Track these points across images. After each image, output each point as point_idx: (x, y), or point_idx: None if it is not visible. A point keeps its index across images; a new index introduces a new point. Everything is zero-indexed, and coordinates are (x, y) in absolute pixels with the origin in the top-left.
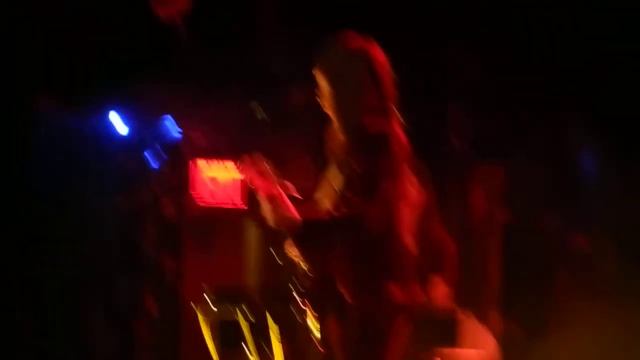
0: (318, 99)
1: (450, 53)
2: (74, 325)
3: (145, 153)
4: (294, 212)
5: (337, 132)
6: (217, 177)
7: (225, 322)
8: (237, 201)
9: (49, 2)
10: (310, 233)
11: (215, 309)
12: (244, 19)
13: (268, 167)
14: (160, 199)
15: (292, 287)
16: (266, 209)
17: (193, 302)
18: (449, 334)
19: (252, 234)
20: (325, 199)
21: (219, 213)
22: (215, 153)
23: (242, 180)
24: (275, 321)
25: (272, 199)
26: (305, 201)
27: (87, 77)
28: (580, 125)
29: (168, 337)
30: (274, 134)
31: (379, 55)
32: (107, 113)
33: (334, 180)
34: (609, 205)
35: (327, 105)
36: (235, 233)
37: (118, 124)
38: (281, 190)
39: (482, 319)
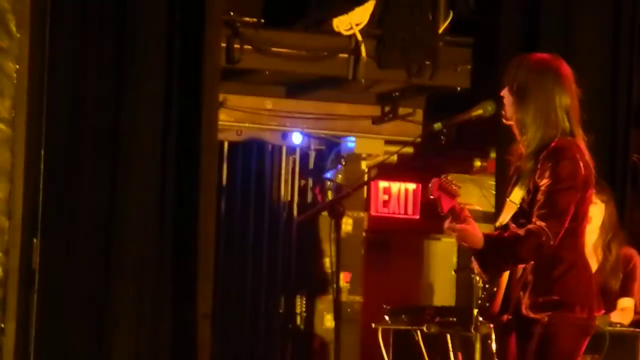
0: (503, 115)
1: (634, 68)
2: (252, 341)
3: (327, 171)
4: (477, 229)
5: (521, 148)
6: (391, 187)
7: (403, 343)
8: (411, 211)
9: None
10: (493, 249)
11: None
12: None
13: (454, 187)
14: (340, 216)
15: (474, 307)
16: (452, 228)
17: (373, 322)
18: (631, 358)
19: (430, 252)
20: (508, 215)
21: (397, 229)
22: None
23: (414, 191)
24: (454, 343)
25: (458, 217)
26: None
27: (272, 95)
28: None
29: (344, 356)
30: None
31: (568, 72)
32: (290, 132)
33: (516, 196)
34: None
35: (514, 120)
36: (413, 251)
37: (300, 142)
38: (465, 208)
39: None
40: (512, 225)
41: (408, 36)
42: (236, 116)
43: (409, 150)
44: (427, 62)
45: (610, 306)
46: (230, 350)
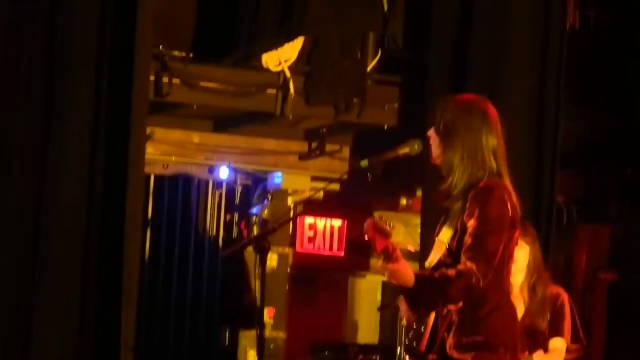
0: (432, 155)
1: (560, 112)
2: None
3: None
4: (408, 269)
5: (448, 187)
6: (317, 223)
7: None
8: (337, 248)
9: None
10: (423, 290)
11: None
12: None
13: (388, 227)
14: (265, 251)
15: (397, 345)
16: (385, 267)
17: (296, 358)
18: None
19: (355, 289)
20: (437, 254)
21: (322, 266)
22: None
23: (340, 228)
24: None
25: (390, 257)
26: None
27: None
28: None
29: None
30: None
31: (494, 113)
32: (217, 166)
33: (444, 236)
34: None
35: (440, 161)
36: (338, 288)
37: (226, 176)
38: (397, 248)
39: None
40: (441, 264)
41: (336, 73)
42: (163, 149)
43: (336, 187)
44: (355, 100)
45: (539, 347)
46: None
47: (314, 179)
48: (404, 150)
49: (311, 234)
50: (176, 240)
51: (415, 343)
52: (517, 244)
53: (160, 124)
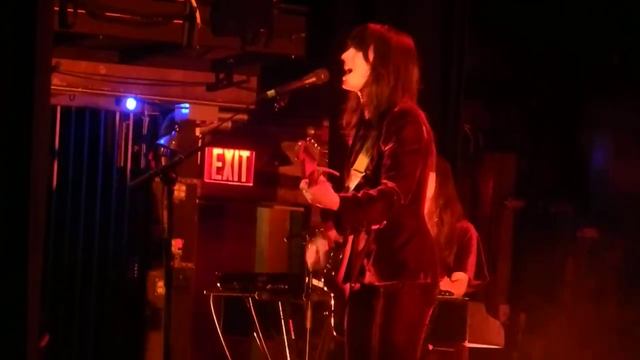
0: (345, 81)
1: (465, 43)
2: (83, 308)
3: (160, 137)
4: (331, 191)
5: (366, 114)
6: (225, 154)
7: (234, 310)
8: (245, 179)
9: None
10: (347, 210)
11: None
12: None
13: (316, 150)
14: (172, 182)
15: (305, 275)
16: (307, 188)
17: (205, 289)
18: (459, 325)
19: (263, 219)
20: (353, 184)
21: (230, 196)
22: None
23: (248, 158)
24: (286, 310)
25: (315, 180)
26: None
27: (105, 60)
28: (593, 116)
29: (177, 322)
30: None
31: (414, 46)
32: (124, 97)
33: (360, 165)
34: (618, 194)
35: (364, 88)
36: (246, 218)
37: (134, 108)
38: (321, 172)
39: (492, 309)
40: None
41: (243, 3)
42: (69, 81)
43: (243, 117)
44: (262, 30)
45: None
46: (62, 318)
47: (222, 109)
48: (310, 80)
49: (219, 164)
50: (83, 172)
51: (333, 273)
52: (431, 170)
53: (66, 55)
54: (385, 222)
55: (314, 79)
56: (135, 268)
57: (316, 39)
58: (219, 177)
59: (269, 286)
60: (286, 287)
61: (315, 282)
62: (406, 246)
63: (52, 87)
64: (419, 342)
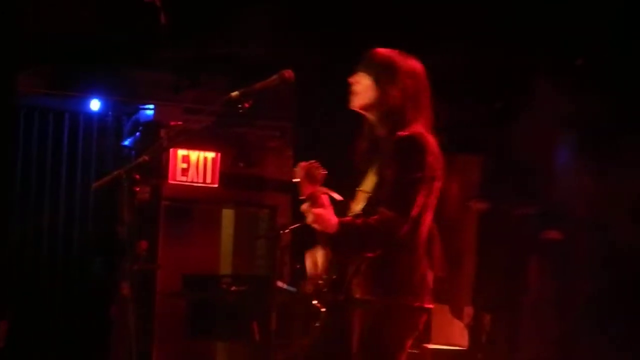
0: (352, 96)
1: (427, 43)
2: (48, 308)
3: (125, 139)
4: (332, 215)
5: (372, 135)
6: (190, 155)
7: (199, 312)
8: (210, 180)
9: None
10: (345, 236)
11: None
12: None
13: (320, 174)
14: (137, 183)
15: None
16: (308, 210)
17: (169, 290)
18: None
19: (229, 220)
20: (359, 204)
21: (195, 197)
22: (193, 140)
23: (214, 160)
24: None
25: (316, 202)
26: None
27: (69, 60)
28: (555, 115)
29: (141, 323)
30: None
31: (423, 68)
32: (88, 98)
33: (366, 185)
34: (580, 194)
35: (363, 102)
36: (211, 219)
37: (98, 109)
38: (324, 196)
39: (456, 311)
40: (362, 212)
41: (209, 4)
42: (33, 82)
43: (208, 118)
44: (229, 31)
45: None
46: (27, 317)
47: (187, 110)
48: (275, 81)
49: (184, 165)
50: (47, 173)
51: (325, 289)
52: (437, 195)
53: (31, 56)
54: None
55: (278, 80)
56: (100, 268)
57: (284, 40)
58: (184, 178)
59: (233, 288)
60: (252, 288)
61: (280, 284)
62: (397, 266)
63: (16, 88)
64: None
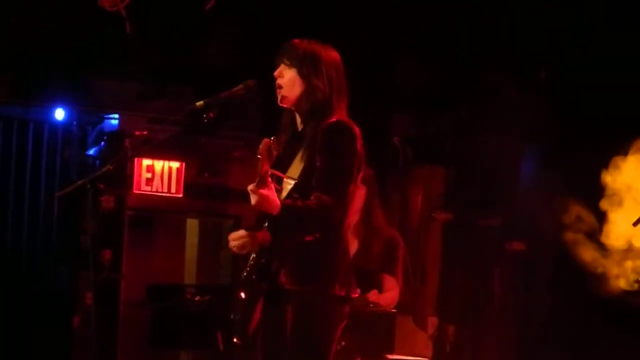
0: (279, 90)
1: (392, 55)
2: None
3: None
4: (275, 197)
5: (295, 125)
6: (154, 165)
7: (163, 321)
8: (175, 190)
9: None
10: (286, 218)
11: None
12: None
13: (274, 152)
14: (101, 192)
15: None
16: (254, 190)
17: (133, 300)
18: (387, 338)
19: (193, 230)
20: (285, 192)
21: (160, 207)
22: (158, 149)
23: (178, 170)
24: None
25: (264, 182)
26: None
27: (33, 69)
28: (522, 126)
29: (105, 333)
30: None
31: (338, 57)
32: (52, 107)
33: (292, 171)
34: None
35: (292, 96)
36: (176, 229)
37: (62, 118)
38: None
39: (420, 321)
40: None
41: (175, 13)
42: None
43: (174, 128)
44: (194, 40)
45: (373, 287)
46: None
47: (151, 120)
48: (239, 91)
49: (149, 175)
50: (10, 182)
51: (253, 276)
52: (358, 184)
53: None
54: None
55: (242, 90)
56: (64, 278)
57: (248, 48)
58: (149, 188)
59: (197, 297)
60: (215, 297)
61: (243, 294)
62: (324, 255)
63: None
64: (328, 353)
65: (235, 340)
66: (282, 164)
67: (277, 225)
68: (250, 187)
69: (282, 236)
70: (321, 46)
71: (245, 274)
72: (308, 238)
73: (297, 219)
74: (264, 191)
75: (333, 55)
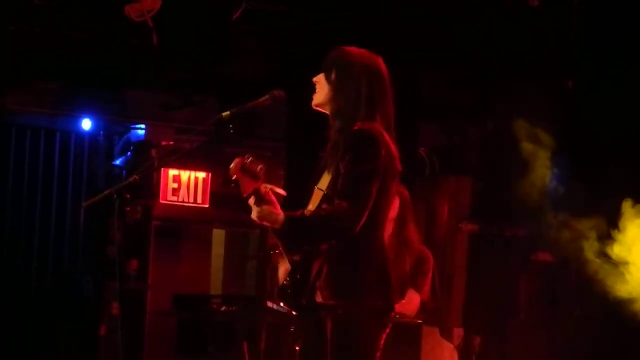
0: (315, 102)
1: (419, 68)
2: (38, 330)
3: (116, 158)
4: (278, 210)
5: (332, 134)
6: (181, 175)
7: (189, 331)
8: (201, 200)
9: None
10: (294, 229)
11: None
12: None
13: (258, 168)
14: (127, 203)
15: (262, 296)
16: (255, 206)
17: (160, 310)
18: (413, 349)
19: (219, 241)
20: (315, 204)
21: (186, 217)
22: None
23: (204, 180)
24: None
25: (262, 199)
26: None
27: (60, 79)
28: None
29: (131, 343)
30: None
31: (380, 66)
32: (79, 117)
33: (323, 183)
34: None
35: (320, 100)
36: (202, 239)
37: (89, 128)
38: (270, 192)
39: (445, 332)
40: (315, 208)
41: (201, 24)
42: (24, 100)
43: (200, 138)
44: (220, 50)
45: (402, 299)
46: (15, 336)
47: (178, 130)
48: (266, 101)
49: (175, 185)
50: (37, 192)
51: (289, 290)
52: (395, 194)
53: (22, 74)
54: (335, 241)
55: (269, 99)
56: (90, 287)
57: (274, 59)
58: (175, 198)
59: (223, 307)
60: (241, 308)
61: (270, 303)
62: (360, 267)
63: (8, 105)
64: None
65: (282, 305)
66: (317, 171)
67: (282, 238)
68: (249, 202)
69: (291, 248)
70: (361, 54)
71: (280, 289)
72: (324, 246)
73: (303, 230)
74: (262, 207)
75: (373, 63)
